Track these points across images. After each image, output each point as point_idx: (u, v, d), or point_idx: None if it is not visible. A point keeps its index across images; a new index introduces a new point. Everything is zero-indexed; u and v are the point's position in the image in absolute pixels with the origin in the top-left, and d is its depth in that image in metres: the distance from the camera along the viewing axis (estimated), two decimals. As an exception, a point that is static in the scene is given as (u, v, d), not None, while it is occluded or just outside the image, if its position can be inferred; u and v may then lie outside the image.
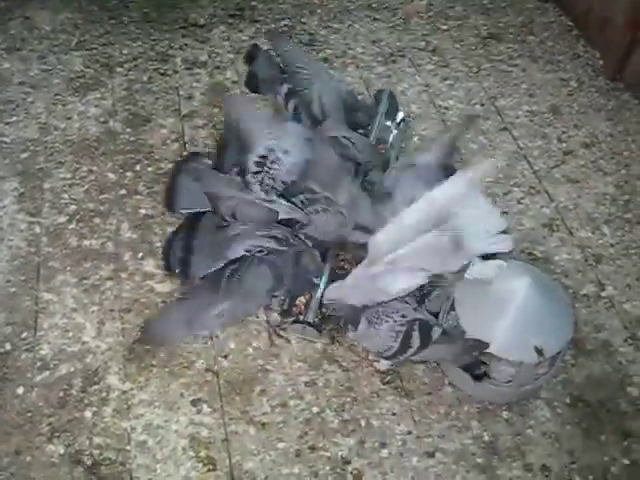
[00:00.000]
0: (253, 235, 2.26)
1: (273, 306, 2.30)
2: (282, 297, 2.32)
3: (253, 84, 2.88)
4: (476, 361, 2.06)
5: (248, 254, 2.23)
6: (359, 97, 2.95)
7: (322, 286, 2.27)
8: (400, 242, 2.05)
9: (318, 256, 2.30)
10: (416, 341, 2.04)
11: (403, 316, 2.07)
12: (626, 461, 2.04)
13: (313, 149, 2.42)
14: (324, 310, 2.24)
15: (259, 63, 2.86)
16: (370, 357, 2.21)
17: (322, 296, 2.24)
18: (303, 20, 3.51)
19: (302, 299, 2.27)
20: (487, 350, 1.98)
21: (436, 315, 2.14)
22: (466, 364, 2.07)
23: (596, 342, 2.31)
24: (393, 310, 2.09)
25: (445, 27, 3.52)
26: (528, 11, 3.61)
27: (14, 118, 2.92)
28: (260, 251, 2.22)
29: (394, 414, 2.11)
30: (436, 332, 2.05)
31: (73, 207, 2.61)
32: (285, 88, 2.72)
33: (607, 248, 2.58)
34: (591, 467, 2.03)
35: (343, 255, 2.45)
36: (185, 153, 2.79)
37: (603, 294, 2.43)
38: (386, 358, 2.14)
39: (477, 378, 2.08)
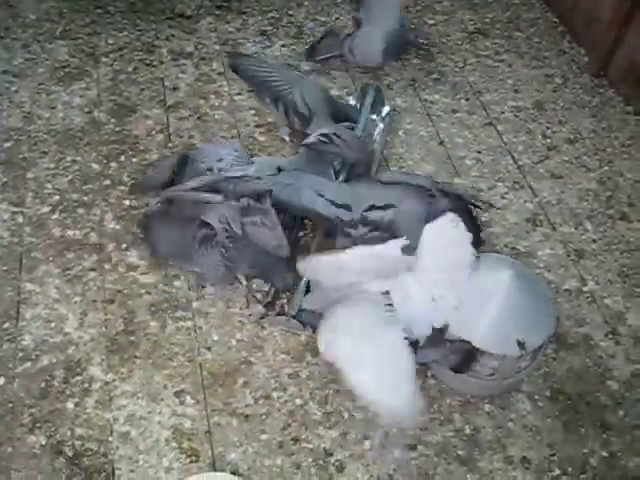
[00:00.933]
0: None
1: (257, 297, 2.30)
2: (265, 289, 2.32)
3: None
4: (464, 361, 2.05)
5: (219, 225, 2.16)
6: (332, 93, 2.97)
7: (305, 280, 2.27)
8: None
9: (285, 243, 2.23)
10: None
11: None
12: (605, 453, 2.06)
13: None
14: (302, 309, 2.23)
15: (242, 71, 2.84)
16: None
17: (305, 290, 2.25)
18: (290, 12, 3.50)
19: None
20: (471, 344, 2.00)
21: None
22: (455, 365, 2.06)
23: (577, 336, 2.33)
24: None
25: (432, 22, 3.52)
26: (514, 7, 3.62)
27: (-3, 107, 2.90)
28: (226, 229, 2.16)
29: (377, 406, 2.12)
30: (422, 338, 2.02)
31: (56, 197, 2.59)
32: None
33: (589, 243, 2.60)
34: (571, 459, 2.05)
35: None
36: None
37: (585, 289, 2.45)
38: None
39: (456, 371, 2.08)
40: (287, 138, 2.80)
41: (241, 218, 2.17)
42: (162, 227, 2.27)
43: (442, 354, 2.05)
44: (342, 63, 3.17)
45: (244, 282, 2.31)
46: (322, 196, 2.27)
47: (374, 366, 1.93)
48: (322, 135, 2.43)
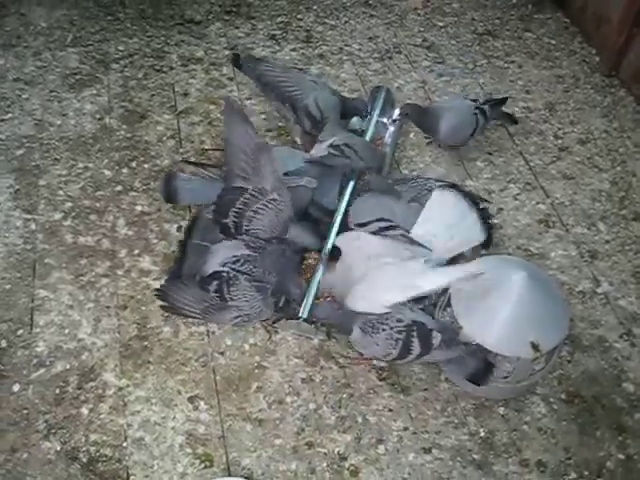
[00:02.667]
0: (224, 249, 2.25)
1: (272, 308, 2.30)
2: (278, 295, 2.32)
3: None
4: (482, 372, 2.04)
5: (223, 268, 2.19)
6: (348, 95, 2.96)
7: (315, 282, 2.27)
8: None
9: (290, 251, 2.29)
10: (416, 348, 2.03)
11: (399, 320, 2.05)
12: (621, 456, 2.05)
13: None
14: (314, 319, 2.23)
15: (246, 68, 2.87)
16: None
17: (317, 291, 2.25)
18: (299, 17, 3.50)
19: None
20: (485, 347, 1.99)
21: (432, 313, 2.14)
22: (472, 376, 2.06)
23: (592, 338, 2.31)
24: (387, 315, 2.07)
25: (441, 23, 3.52)
26: (524, 8, 3.61)
27: (9, 115, 2.91)
28: (236, 261, 2.19)
29: (390, 410, 2.12)
30: (436, 338, 2.03)
31: (69, 204, 2.60)
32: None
33: (603, 244, 2.58)
34: (587, 462, 2.04)
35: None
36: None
37: (599, 290, 2.44)
38: (385, 362, 2.15)
39: (474, 382, 2.08)
40: (299, 140, 2.80)
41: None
42: (182, 293, 2.24)
43: (458, 355, 2.05)
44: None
45: None
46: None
47: None
48: (332, 147, 2.44)
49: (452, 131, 2.71)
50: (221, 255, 2.22)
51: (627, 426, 2.11)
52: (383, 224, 2.32)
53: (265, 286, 2.19)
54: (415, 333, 2.03)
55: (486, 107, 2.74)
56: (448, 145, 2.85)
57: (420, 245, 2.26)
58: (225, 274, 2.17)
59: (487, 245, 2.37)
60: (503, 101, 2.86)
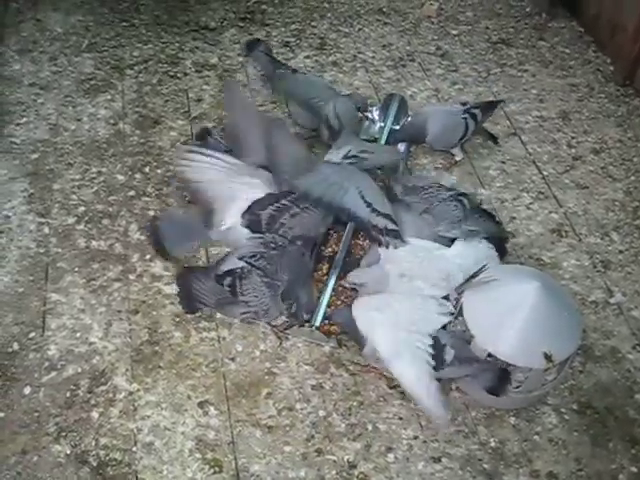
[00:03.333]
0: (247, 247, 2.27)
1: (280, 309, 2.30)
2: (290, 301, 2.32)
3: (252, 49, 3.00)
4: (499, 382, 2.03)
5: (242, 261, 2.21)
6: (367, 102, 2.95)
7: (329, 290, 2.27)
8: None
9: (308, 253, 2.32)
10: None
11: None
12: (634, 469, 2.03)
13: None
14: (328, 321, 2.25)
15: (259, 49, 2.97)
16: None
17: (330, 299, 2.25)
18: (313, 24, 3.52)
19: None
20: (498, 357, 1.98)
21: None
22: (490, 387, 2.04)
23: (604, 349, 2.29)
24: None
25: (455, 32, 3.52)
26: (538, 17, 3.60)
27: (24, 119, 2.94)
28: (252, 256, 2.21)
29: (401, 418, 2.11)
30: (449, 354, 2.01)
31: (82, 208, 2.61)
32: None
33: (616, 254, 2.56)
34: (599, 474, 2.02)
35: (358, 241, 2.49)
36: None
37: (611, 301, 2.42)
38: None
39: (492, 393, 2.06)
40: None
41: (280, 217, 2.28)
42: (198, 282, 2.27)
43: (471, 372, 2.04)
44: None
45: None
46: (365, 201, 2.29)
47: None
48: (348, 157, 2.44)
49: (440, 135, 2.70)
50: (242, 251, 2.25)
51: (640, 438, 2.09)
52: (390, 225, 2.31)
53: (276, 284, 2.19)
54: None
55: (477, 111, 2.72)
56: (437, 149, 2.84)
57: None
58: (239, 270, 2.19)
59: (502, 255, 2.35)
60: (494, 105, 2.85)
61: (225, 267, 2.24)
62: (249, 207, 2.32)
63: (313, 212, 2.33)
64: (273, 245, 2.25)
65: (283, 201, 2.32)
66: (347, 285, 2.30)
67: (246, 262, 2.21)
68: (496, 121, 3.04)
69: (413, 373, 1.98)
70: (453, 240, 2.32)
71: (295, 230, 2.29)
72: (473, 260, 2.21)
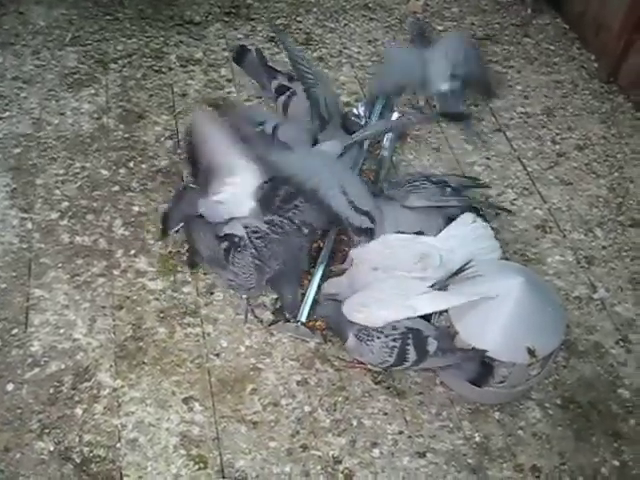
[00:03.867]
0: (253, 218, 2.26)
1: (256, 314, 2.31)
2: (276, 296, 2.32)
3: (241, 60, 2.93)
4: (482, 374, 2.04)
5: (243, 232, 2.21)
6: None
7: (315, 285, 2.27)
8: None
9: (307, 248, 2.33)
10: (412, 355, 2.02)
11: (394, 328, 2.03)
12: (616, 462, 2.05)
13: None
14: (313, 315, 2.25)
15: (247, 59, 2.89)
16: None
17: (316, 294, 2.25)
18: (299, 19, 3.50)
19: None
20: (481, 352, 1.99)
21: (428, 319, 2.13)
22: (473, 378, 2.05)
23: (588, 344, 2.31)
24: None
25: (441, 27, 3.52)
26: (524, 13, 3.61)
27: (7, 113, 2.91)
28: (255, 231, 2.21)
29: (386, 414, 2.11)
30: (432, 344, 2.02)
31: (65, 203, 2.59)
32: (275, 84, 2.73)
33: (599, 250, 2.58)
34: (581, 468, 2.03)
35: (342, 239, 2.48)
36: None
37: (595, 296, 2.44)
38: (381, 369, 2.15)
39: (475, 384, 2.07)
40: None
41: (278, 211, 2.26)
42: (199, 233, 2.30)
43: (454, 362, 2.05)
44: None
45: (244, 295, 2.31)
46: (346, 195, 2.26)
47: None
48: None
49: None
50: (247, 220, 2.24)
51: (622, 432, 2.11)
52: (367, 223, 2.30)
53: (264, 269, 2.21)
54: (411, 341, 2.02)
55: None
56: None
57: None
58: (238, 239, 2.20)
59: None
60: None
61: (227, 229, 2.24)
62: (269, 179, 2.30)
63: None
64: (278, 229, 2.24)
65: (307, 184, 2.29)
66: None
67: (247, 234, 2.20)
68: (481, 117, 3.05)
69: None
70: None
71: (305, 216, 2.28)
72: (460, 240, 2.21)
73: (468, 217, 2.25)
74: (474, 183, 2.61)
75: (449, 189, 2.37)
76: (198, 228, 2.29)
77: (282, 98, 2.71)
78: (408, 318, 2.05)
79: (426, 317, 2.12)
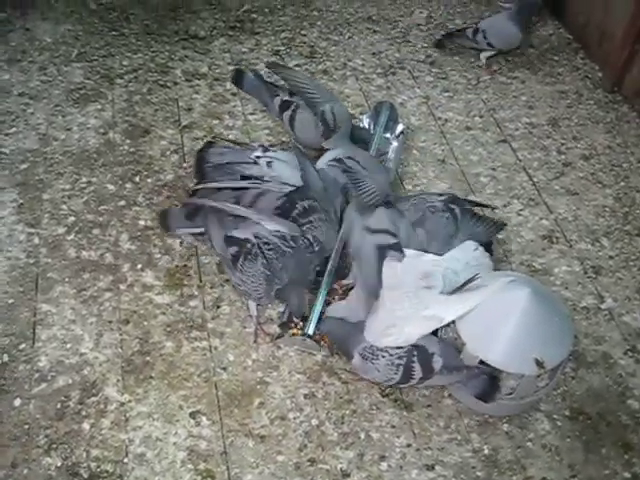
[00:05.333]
0: (264, 225, 2.26)
1: (266, 331, 2.31)
2: (282, 309, 2.32)
3: (240, 82, 2.91)
4: (489, 389, 2.02)
5: (253, 240, 2.21)
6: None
7: (322, 298, 2.27)
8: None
9: (316, 265, 2.33)
10: (418, 372, 2.02)
11: (399, 347, 2.02)
12: (627, 474, 2.03)
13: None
14: (318, 332, 2.23)
15: (246, 80, 2.88)
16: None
17: (323, 307, 2.25)
18: (303, 32, 3.52)
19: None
20: (489, 364, 1.98)
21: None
22: (480, 393, 2.04)
23: (596, 354, 2.30)
24: None
25: (444, 39, 3.53)
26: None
27: (14, 129, 2.92)
28: (266, 243, 2.21)
29: (393, 427, 2.10)
30: (437, 362, 2.01)
31: (72, 218, 2.60)
32: (279, 100, 2.73)
33: (606, 260, 2.57)
34: (592, 480, 2.02)
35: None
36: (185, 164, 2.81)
37: (602, 306, 2.43)
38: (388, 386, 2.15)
39: (482, 399, 2.06)
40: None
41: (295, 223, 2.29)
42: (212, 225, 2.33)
43: (460, 380, 2.05)
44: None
45: (254, 313, 2.30)
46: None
47: None
48: (335, 160, 2.44)
49: None
50: (261, 230, 2.23)
51: (633, 444, 2.09)
52: (391, 239, 2.27)
53: (275, 280, 2.20)
54: (416, 358, 2.01)
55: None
56: None
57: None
58: (249, 246, 2.20)
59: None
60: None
61: (237, 233, 2.24)
62: (289, 192, 2.35)
63: (334, 226, 2.37)
64: (292, 243, 2.23)
65: (317, 204, 2.34)
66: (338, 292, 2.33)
67: (258, 245, 2.20)
68: (486, 128, 3.06)
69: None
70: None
71: (318, 233, 2.29)
72: (463, 264, 2.20)
73: (471, 244, 2.25)
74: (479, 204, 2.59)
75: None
76: (211, 221, 2.31)
77: (287, 113, 2.70)
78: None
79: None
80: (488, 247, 2.32)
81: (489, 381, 2.00)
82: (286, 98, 2.73)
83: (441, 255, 2.22)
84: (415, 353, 2.01)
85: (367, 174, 2.44)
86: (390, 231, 2.27)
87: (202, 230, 2.40)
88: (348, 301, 2.26)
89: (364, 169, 2.47)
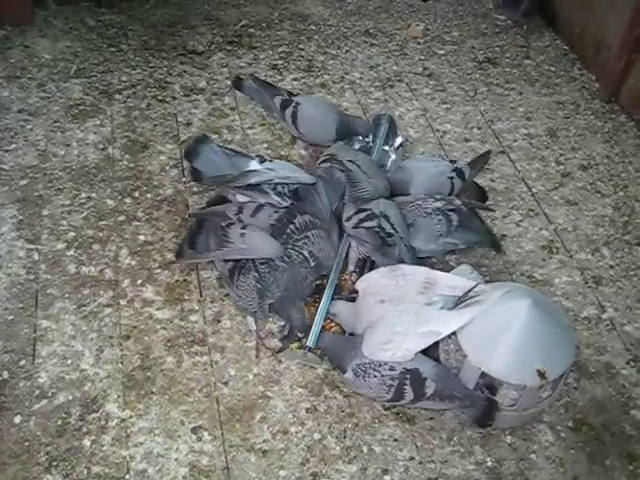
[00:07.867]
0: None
1: (267, 345, 2.30)
2: (283, 323, 2.31)
3: (240, 87, 2.97)
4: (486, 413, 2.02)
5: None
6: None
7: (323, 311, 2.27)
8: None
9: (312, 280, 2.33)
10: (409, 394, 2.01)
11: (392, 369, 2.01)
12: (632, 485, 2.02)
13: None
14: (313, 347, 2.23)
15: (246, 85, 2.94)
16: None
17: (324, 321, 2.25)
18: (300, 46, 3.54)
19: None
20: (490, 375, 1.97)
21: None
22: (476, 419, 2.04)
23: (598, 365, 2.29)
24: (380, 362, 2.03)
25: (442, 52, 3.55)
26: (520, 29, 3.65)
27: (13, 145, 2.93)
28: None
29: (396, 440, 2.09)
30: (430, 387, 2.00)
31: (72, 234, 2.60)
32: (279, 99, 2.78)
33: (607, 270, 2.57)
34: (596, 492, 2.01)
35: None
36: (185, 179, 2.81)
37: (604, 316, 2.42)
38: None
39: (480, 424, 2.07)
40: (303, 152, 2.81)
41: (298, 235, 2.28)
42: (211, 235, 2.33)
43: (452, 408, 2.06)
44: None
45: (254, 327, 2.30)
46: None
47: None
48: (336, 162, 2.46)
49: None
50: None
51: (637, 454, 2.08)
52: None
53: (266, 294, 2.21)
54: (408, 381, 2.01)
55: (465, 167, 2.59)
56: None
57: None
58: (244, 261, 2.23)
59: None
60: (484, 158, 2.73)
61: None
62: (289, 206, 2.35)
63: (333, 242, 2.37)
64: (285, 258, 2.23)
65: (316, 220, 2.34)
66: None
67: (252, 259, 2.23)
68: (484, 139, 3.07)
69: None
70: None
71: (315, 249, 2.29)
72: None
73: (466, 268, 2.33)
74: (479, 205, 2.62)
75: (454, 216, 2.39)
76: (211, 230, 2.32)
77: (289, 110, 2.76)
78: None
79: (427, 353, 2.09)
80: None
81: (485, 408, 2.00)
82: (286, 97, 2.80)
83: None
84: (408, 377, 2.00)
85: (366, 178, 2.47)
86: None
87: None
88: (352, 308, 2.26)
89: (364, 173, 2.49)
